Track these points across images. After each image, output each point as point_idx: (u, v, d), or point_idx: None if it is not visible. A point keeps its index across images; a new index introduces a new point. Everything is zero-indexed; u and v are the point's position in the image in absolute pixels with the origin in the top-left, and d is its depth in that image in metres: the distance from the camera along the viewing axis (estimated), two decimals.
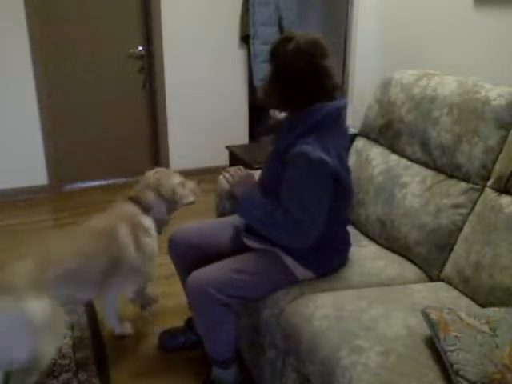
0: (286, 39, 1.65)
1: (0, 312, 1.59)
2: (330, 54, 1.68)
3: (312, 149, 1.57)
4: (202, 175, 4.17)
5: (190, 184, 2.22)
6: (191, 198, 2.21)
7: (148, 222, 2.07)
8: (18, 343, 1.61)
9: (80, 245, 1.89)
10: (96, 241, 1.92)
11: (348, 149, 2.17)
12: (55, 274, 1.74)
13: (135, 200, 2.08)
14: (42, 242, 1.90)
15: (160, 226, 2.15)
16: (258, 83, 4.02)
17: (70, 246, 1.88)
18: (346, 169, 1.72)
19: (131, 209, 2.06)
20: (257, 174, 1.91)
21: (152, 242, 2.08)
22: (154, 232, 2.10)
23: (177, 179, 2.17)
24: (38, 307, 1.63)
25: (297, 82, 1.64)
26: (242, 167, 1.94)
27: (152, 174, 2.16)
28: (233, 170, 1.89)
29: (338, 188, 1.66)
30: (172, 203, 2.14)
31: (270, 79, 1.71)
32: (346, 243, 1.87)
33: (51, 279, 1.72)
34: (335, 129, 1.69)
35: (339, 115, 1.72)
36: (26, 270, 1.70)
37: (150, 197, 2.09)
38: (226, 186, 1.89)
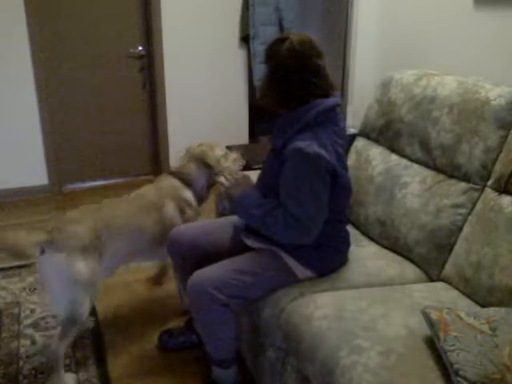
0: (281, 40, 1.68)
1: (54, 266, 1.80)
2: (324, 53, 1.70)
3: (308, 144, 1.59)
4: None
5: (233, 155, 2.33)
6: (236, 168, 2.28)
7: (189, 195, 2.20)
8: (63, 295, 1.83)
9: (131, 215, 2.04)
10: (145, 213, 2.07)
11: (346, 148, 2.17)
12: (107, 237, 1.92)
13: (177, 174, 2.22)
14: (95, 208, 2.00)
15: (200, 200, 2.26)
16: (257, 83, 4.02)
17: (122, 215, 2.02)
18: (344, 166, 1.73)
19: (174, 183, 2.20)
20: (256, 173, 1.91)
21: (194, 214, 2.22)
22: (195, 204, 2.22)
23: (221, 151, 2.29)
24: (85, 268, 1.83)
25: (292, 81, 1.66)
26: (235, 170, 1.96)
27: (197, 146, 2.28)
28: (228, 172, 1.89)
29: (337, 186, 1.67)
30: (214, 175, 2.22)
31: (266, 79, 1.74)
32: (345, 242, 1.87)
33: (103, 242, 1.90)
34: (331, 127, 1.70)
35: (335, 113, 1.73)
36: (81, 231, 1.86)
37: (191, 170, 2.23)
38: (221, 189, 1.89)
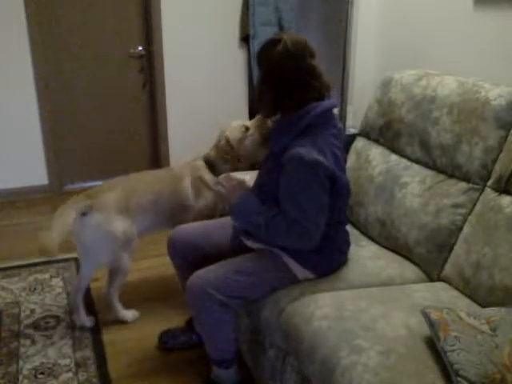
0: (273, 42, 1.65)
1: (96, 225, 2.13)
2: (316, 53, 1.69)
3: (307, 150, 1.58)
4: None
5: (253, 122, 2.31)
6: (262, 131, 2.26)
7: (209, 177, 2.34)
8: (105, 250, 2.18)
9: (152, 184, 2.32)
10: (164, 184, 2.33)
11: (346, 149, 2.17)
12: (137, 202, 2.24)
13: (204, 157, 2.40)
14: (124, 179, 2.32)
15: None
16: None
17: (145, 183, 2.32)
18: (342, 168, 1.72)
19: (199, 164, 2.38)
20: (255, 174, 1.90)
21: (211, 198, 2.34)
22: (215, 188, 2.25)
23: (239, 130, 2.28)
24: (121, 227, 2.16)
25: (287, 83, 1.64)
26: (232, 175, 1.90)
27: (223, 131, 2.34)
28: (223, 179, 1.85)
29: (336, 188, 1.66)
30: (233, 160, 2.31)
31: (260, 84, 1.71)
32: (345, 243, 1.87)
33: (134, 206, 2.22)
34: (329, 129, 1.69)
35: (331, 115, 1.72)
36: (116, 197, 2.19)
37: (215, 155, 2.37)
38: (219, 195, 1.88)
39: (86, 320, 2.31)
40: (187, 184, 2.35)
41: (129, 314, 2.36)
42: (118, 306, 2.34)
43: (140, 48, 4.05)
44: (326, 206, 1.63)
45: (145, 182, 2.33)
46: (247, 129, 2.26)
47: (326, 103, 1.69)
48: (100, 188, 2.26)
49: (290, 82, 1.64)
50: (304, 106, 1.66)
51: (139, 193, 2.27)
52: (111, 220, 2.14)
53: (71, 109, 4.01)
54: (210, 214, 2.37)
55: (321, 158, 1.59)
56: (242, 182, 1.81)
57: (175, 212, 2.35)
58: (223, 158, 2.33)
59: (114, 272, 2.26)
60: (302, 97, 1.67)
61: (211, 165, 2.37)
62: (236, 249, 1.86)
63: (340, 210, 1.78)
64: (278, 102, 1.69)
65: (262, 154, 2.09)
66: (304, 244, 1.64)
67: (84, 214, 2.11)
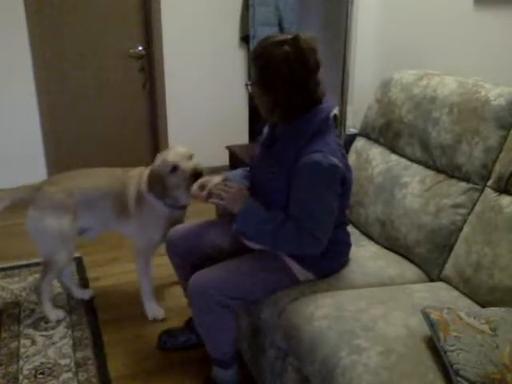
0: (280, 41, 1.57)
1: (31, 221, 2.20)
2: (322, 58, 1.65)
3: (323, 156, 1.55)
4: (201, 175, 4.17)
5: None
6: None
7: (148, 194, 2.20)
8: (39, 244, 2.25)
9: (104, 182, 2.26)
10: (115, 185, 2.24)
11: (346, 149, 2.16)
12: (80, 199, 2.20)
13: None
14: (75, 174, 2.32)
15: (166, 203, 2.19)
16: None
17: (96, 181, 2.27)
18: (349, 168, 1.72)
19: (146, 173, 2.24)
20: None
21: (151, 212, 2.21)
22: (157, 206, 2.19)
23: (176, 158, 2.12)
24: (55, 224, 2.17)
25: (296, 87, 1.59)
26: (228, 181, 1.81)
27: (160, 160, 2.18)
28: (220, 187, 1.74)
29: (343, 189, 1.66)
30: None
31: (262, 85, 1.62)
32: (346, 244, 1.86)
33: (76, 203, 2.20)
34: (332, 130, 1.69)
35: (330, 118, 1.70)
36: (56, 191, 2.19)
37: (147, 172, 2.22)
38: (220, 204, 1.76)
39: (52, 312, 2.35)
40: (132, 192, 2.24)
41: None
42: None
43: (140, 48, 4.05)
44: (334, 211, 1.62)
45: (93, 178, 2.28)
46: (175, 168, 2.09)
47: (328, 106, 1.67)
48: (48, 180, 2.33)
49: (299, 85, 1.59)
50: (309, 110, 1.64)
51: (83, 189, 2.22)
52: (44, 217, 2.16)
53: (71, 109, 4.01)
54: (155, 234, 2.25)
55: (336, 161, 1.57)
56: (241, 189, 1.73)
57: (118, 216, 2.28)
58: (149, 186, 2.17)
59: (46, 266, 2.27)
60: (308, 101, 1.63)
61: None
62: (236, 249, 1.86)
63: (342, 210, 1.77)
64: (275, 106, 1.64)
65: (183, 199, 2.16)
66: (312, 250, 1.63)
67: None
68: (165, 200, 2.18)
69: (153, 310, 2.37)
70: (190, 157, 2.13)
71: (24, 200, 2.20)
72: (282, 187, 1.64)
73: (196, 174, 2.03)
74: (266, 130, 1.86)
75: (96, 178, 2.28)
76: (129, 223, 2.28)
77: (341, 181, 1.62)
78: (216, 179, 1.86)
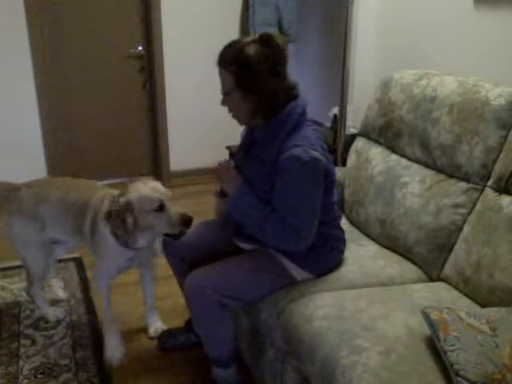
0: (248, 44, 1.59)
1: (3, 226, 2.15)
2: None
3: (303, 150, 1.56)
4: (201, 175, 4.17)
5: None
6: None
7: (103, 224, 1.92)
8: (14, 248, 2.19)
9: (72, 196, 2.10)
10: (80, 202, 2.07)
11: (344, 149, 2.15)
12: (45, 209, 2.11)
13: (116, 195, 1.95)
14: (49, 181, 2.29)
15: (122, 243, 1.90)
16: None
17: (65, 193, 2.12)
18: (330, 160, 1.71)
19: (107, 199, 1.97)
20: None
21: (103, 242, 1.94)
22: (108, 239, 1.91)
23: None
24: (20, 229, 2.13)
25: (267, 86, 1.60)
26: (231, 164, 1.80)
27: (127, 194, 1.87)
28: (221, 169, 1.76)
29: (327, 183, 1.65)
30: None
31: (237, 90, 1.62)
32: (341, 240, 1.86)
33: (43, 212, 2.11)
34: (310, 125, 1.69)
35: (306, 111, 1.70)
36: (24, 196, 2.14)
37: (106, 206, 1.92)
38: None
39: (50, 313, 2.36)
40: (87, 217, 2.02)
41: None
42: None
43: (140, 48, 4.05)
44: (318, 207, 1.62)
45: (65, 190, 2.13)
46: (161, 207, 1.80)
47: (302, 101, 1.68)
48: (28, 183, 2.22)
49: (279, 78, 1.61)
50: (283, 107, 1.64)
51: (51, 199, 2.11)
52: (12, 222, 2.13)
53: (71, 108, 4.02)
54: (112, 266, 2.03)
55: (317, 154, 1.58)
56: (237, 174, 1.73)
57: (75, 235, 2.14)
58: (110, 223, 1.85)
59: (27, 272, 2.27)
60: (280, 99, 1.63)
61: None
62: (233, 249, 1.86)
63: (331, 206, 1.76)
64: (259, 108, 1.63)
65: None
66: (294, 246, 1.63)
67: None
68: (120, 237, 1.87)
69: (111, 346, 2.08)
70: (170, 199, 1.85)
71: (3, 197, 2.18)
72: (265, 187, 1.64)
73: (186, 221, 1.81)
74: (243, 133, 1.88)
75: (68, 190, 2.12)
76: (86, 244, 2.11)
77: (323, 174, 1.62)
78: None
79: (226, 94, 1.66)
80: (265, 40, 1.59)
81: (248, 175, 1.72)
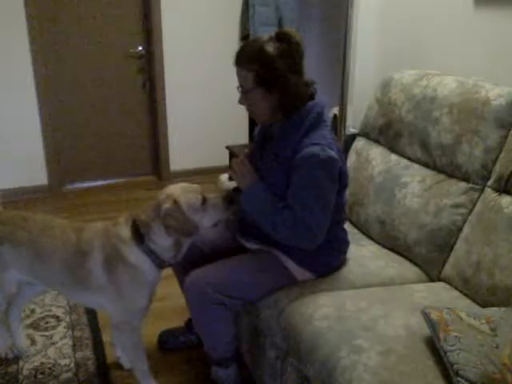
0: (266, 42, 1.60)
1: None
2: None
3: (320, 148, 1.57)
4: (201, 175, 4.17)
5: (213, 200, 1.74)
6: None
7: (134, 254, 1.70)
8: None
9: (47, 240, 1.77)
10: (62, 249, 1.74)
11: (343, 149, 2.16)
12: (10, 252, 1.77)
13: (134, 221, 1.72)
14: (21, 217, 1.84)
15: (160, 263, 1.74)
16: None
17: (37, 236, 1.78)
18: (344, 161, 1.73)
19: (119, 233, 1.72)
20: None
21: (133, 277, 1.71)
22: (144, 267, 1.72)
23: (196, 200, 1.70)
24: None
25: (289, 83, 1.61)
26: (245, 160, 1.75)
27: (165, 197, 1.68)
28: (236, 164, 1.72)
29: (339, 184, 1.67)
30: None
31: (257, 89, 1.62)
32: (344, 242, 1.86)
33: (6, 252, 1.78)
34: (327, 125, 1.70)
35: (324, 112, 1.72)
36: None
37: (152, 222, 1.68)
38: (231, 184, 1.77)
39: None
40: (94, 261, 1.71)
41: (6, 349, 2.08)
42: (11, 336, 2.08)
43: (140, 48, 4.06)
44: (331, 206, 1.63)
45: (34, 232, 1.78)
46: (204, 200, 1.70)
47: (321, 101, 1.70)
48: None
49: (288, 83, 1.61)
50: (303, 104, 1.66)
51: (17, 240, 1.77)
52: None
53: (71, 109, 4.02)
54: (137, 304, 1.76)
55: (334, 154, 1.59)
56: (252, 170, 1.70)
57: (70, 287, 1.80)
58: (166, 226, 1.66)
59: None
60: (300, 97, 1.65)
61: (141, 235, 1.69)
62: (234, 248, 1.86)
63: (340, 207, 1.77)
64: (280, 105, 1.65)
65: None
66: (305, 244, 1.63)
67: None
68: (162, 252, 1.72)
69: None
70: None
71: None
72: (279, 183, 1.65)
73: (231, 200, 1.73)
74: (257, 130, 1.88)
75: (41, 234, 1.78)
76: (92, 295, 1.77)
77: (338, 174, 1.63)
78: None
79: (245, 92, 1.66)
80: (282, 37, 1.61)
81: (262, 170, 1.72)
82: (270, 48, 1.59)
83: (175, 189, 1.71)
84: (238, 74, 1.65)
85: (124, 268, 1.70)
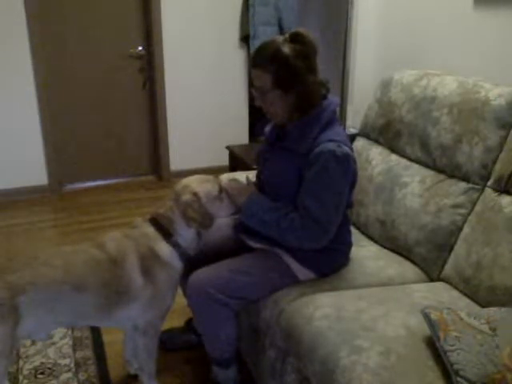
0: (282, 43, 1.61)
1: None
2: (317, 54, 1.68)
3: (336, 145, 1.59)
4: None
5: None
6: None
7: (164, 249, 1.70)
8: None
9: (67, 270, 1.58)
10: (90, 269, 1.61)
11: None
12: (27, 300, 1.50)
13: (156, 220, 1.73)
14: (25, 262, 1.57)
15: (185, 257, 1.76)
16: None
17: (53, 271, 1.56)
18: (355, 159, 1.73)
19: (147, 232, 1.71)
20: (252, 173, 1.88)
21: (164, 275, 1.71)
22: (172, 262, 1.72)
23: (214, 190, 1.73)
24: None
25: (306, 83, 1.62)
26: (237, 179, 1.83)
27: (183, 188, 1.72)
28: (227, 184, 1.76)
29: (352, 182, 1.69)
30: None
31: (275, 90, 1.62)
32: (348, 243, 1.86)
33: (21, 304, 1.49)
34: (340, 125, 1.73)
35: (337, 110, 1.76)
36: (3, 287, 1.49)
37: (175, 217, 1.71)
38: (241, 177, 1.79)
39: None
40: (132, 266, 1.65)
41: None
42: None
43: (140, 48, 4.06)
44: (344, 203, 1.65)
45: (51, 271, 1.56)
46: (221, 190, 1.74)
47: (335, 100, 1.73)
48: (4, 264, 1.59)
49: (304, 82, 1.62)
50: (317, 104, 1.67)
51: (37, 288, 1.52)
52: None
53: (71, 109, 4.02)
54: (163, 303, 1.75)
55: (349, 151, 1.62)
56: (249, 184, 1.79)
57: (108, 306, 1.65)
58: (186, 218, 1.68)
59: None
60: (320, 94, 1.68)
61: (165, 229, 1.71)
62: (236, 248, 1.86)
63: (347, 208, 1.78)
64: (298, 105, 1.66)
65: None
66: (315, 243, 1.64)
67: None
68: (188, 244, 1.74)
69: None
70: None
71: None
72: (292, 180, 1.66)
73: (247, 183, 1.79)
74: (268, 128, 1.88)
75: (56, 267, 1.57)
76: (126, 309, 1.68)
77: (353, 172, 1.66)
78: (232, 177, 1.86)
79: (262, 93, 1.66)
80: (296, 38, 1.62)
81: (274, 169, 1.74)
82: (287, 49, 1.60)
83: (191, 181, 1.74)
84: (255, 76, 1.66)
85: (160, 266, 1.70)
